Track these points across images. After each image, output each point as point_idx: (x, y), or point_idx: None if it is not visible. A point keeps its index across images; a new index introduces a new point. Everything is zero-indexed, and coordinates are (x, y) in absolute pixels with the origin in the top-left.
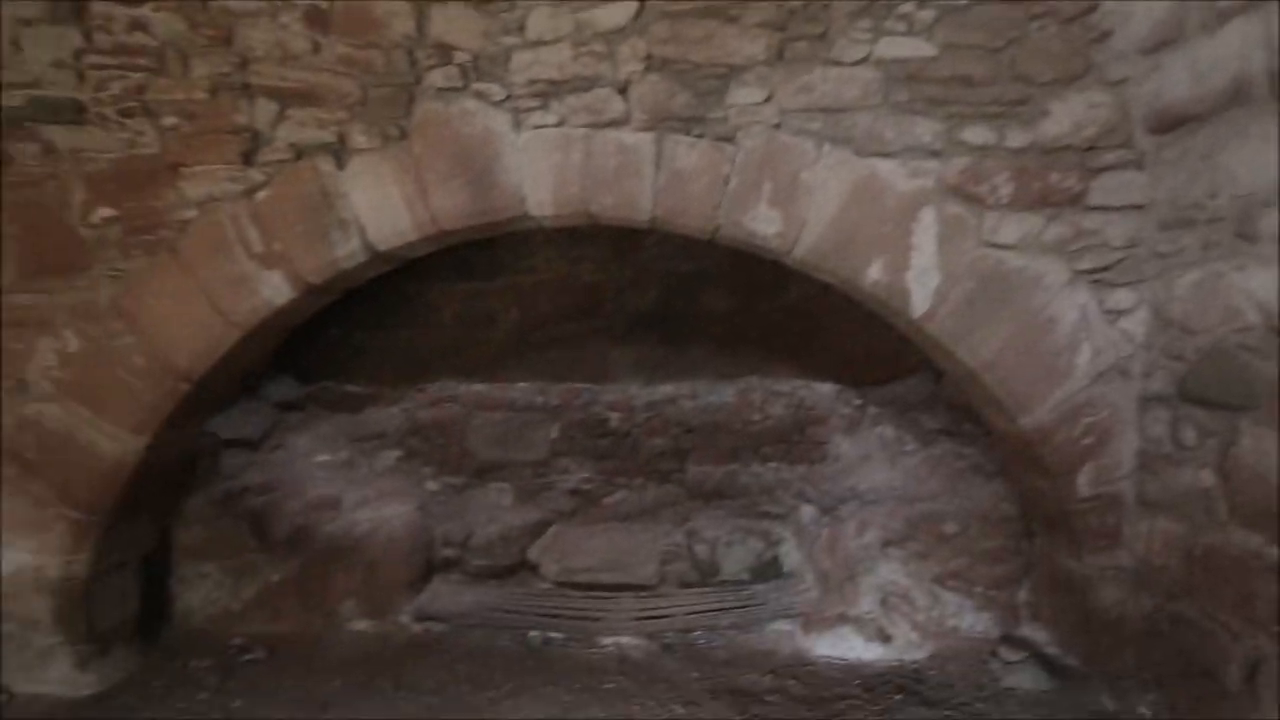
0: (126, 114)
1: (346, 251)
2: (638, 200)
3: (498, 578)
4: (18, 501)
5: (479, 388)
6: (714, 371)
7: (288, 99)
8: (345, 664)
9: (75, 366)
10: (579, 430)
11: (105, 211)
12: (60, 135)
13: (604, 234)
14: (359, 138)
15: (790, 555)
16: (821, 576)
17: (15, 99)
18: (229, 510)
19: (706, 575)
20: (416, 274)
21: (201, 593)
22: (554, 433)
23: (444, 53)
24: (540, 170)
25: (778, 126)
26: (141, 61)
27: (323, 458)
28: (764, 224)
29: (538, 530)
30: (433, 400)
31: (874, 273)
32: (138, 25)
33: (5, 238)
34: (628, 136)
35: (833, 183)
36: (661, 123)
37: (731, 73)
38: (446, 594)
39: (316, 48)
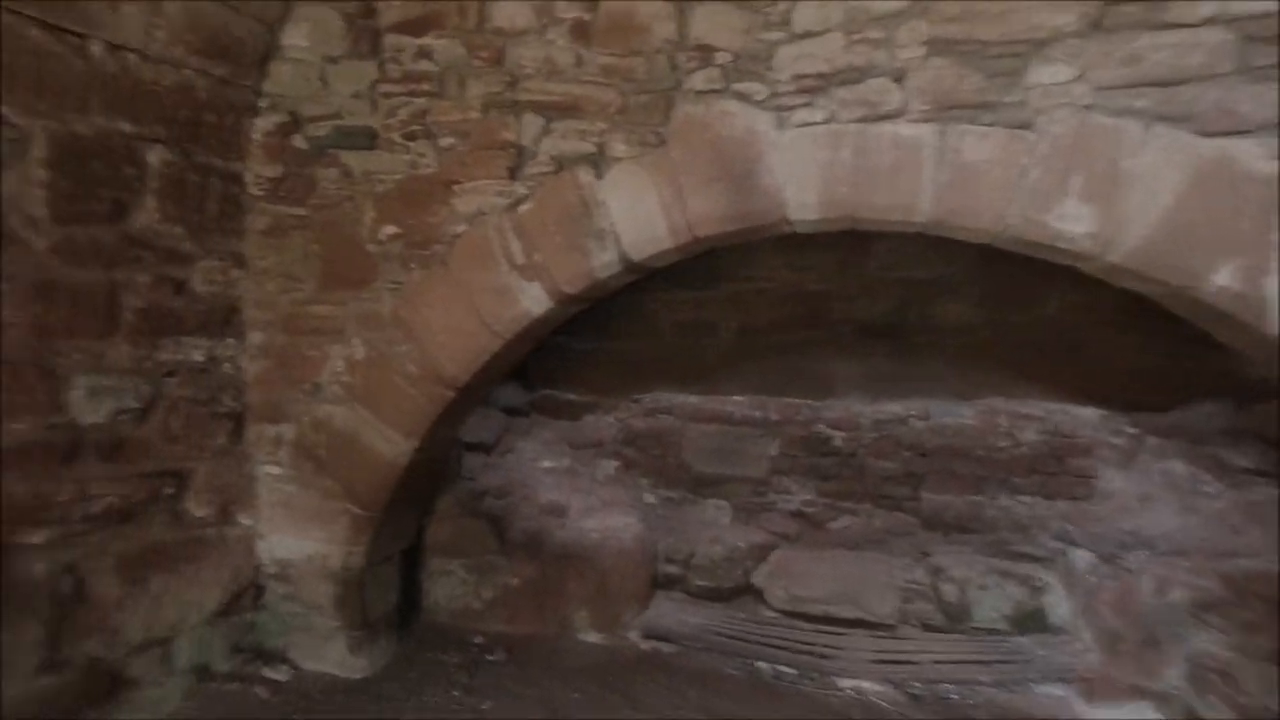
0: (410, 137)
1: (602, 261)
2: (915, 200)
3: (721, 600)
4: (310, 495)
5: (694, 399)
6: (951, 390)
7: (552, 113)
8: (579, 675)
9: (360, 372)
10: (800, 448)
11: (390, 229)
12: (355, 160)
13: (832, 240)
14: (618, 146)
15: (1059, 606)
16: (1106, 637)
17: (322, 129)
18: (472, 510)
19: (954, 619)
20: (636, 283)
21: (447, 589)
22: (773, 449)
23: (704, 55)
24: (806, 171)
25: (1089, 107)
26: (425, 87)
27: (547, 464)
28: (1071, 223)
29: (760, 553)
30: (648, 410)
31: (1220, 279)
32: (423, 54)
33: (311, 255)
34: (905, 129)
35: (1165, 170)
36: (944, 112)
37: (1032, 49)
38: (671, 613)
39: (579, 61)
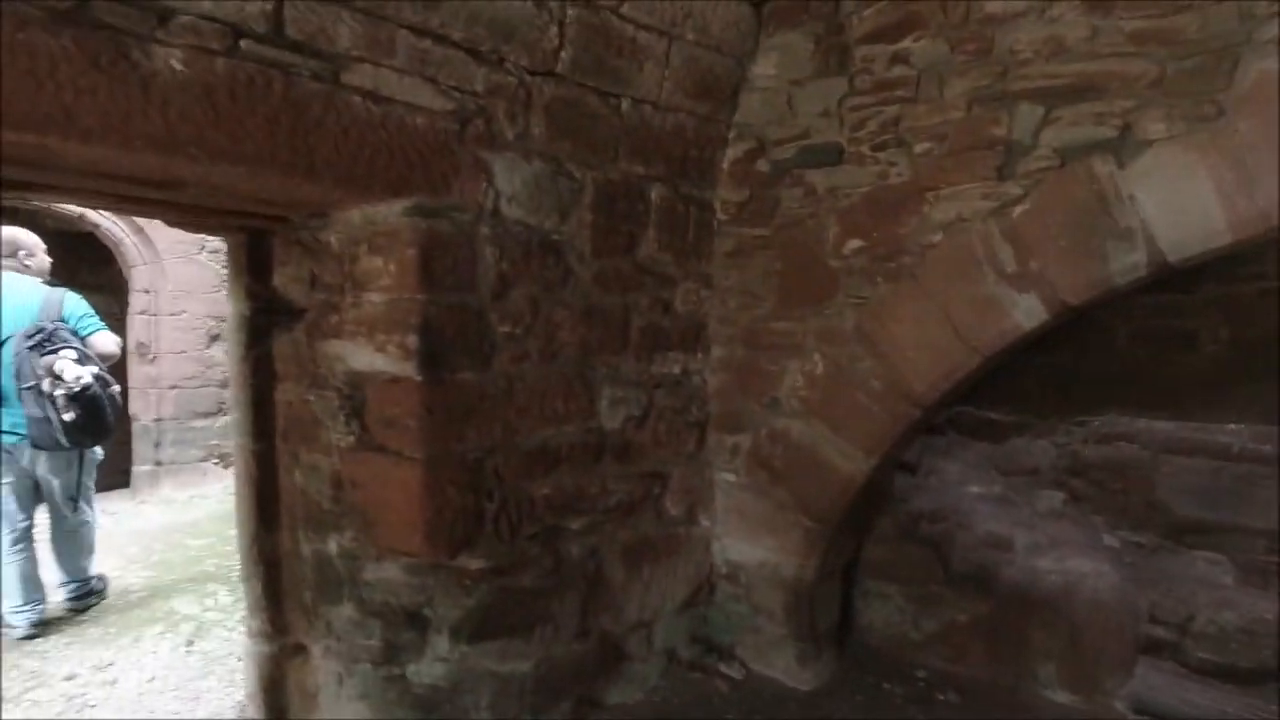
0: (880, 147)
1: (1124, 265)
2: None
3: (1236, 681)
4: (764, 504)
5: (1167, 425)
6: None
7: (1055, 98)
8: None
9: (819, 387)
10: None
11: (854, 243)
12: (820, 177)
13: None
14: (1151, 126)
15: None
16: None
17: (788, 151)
18: (910, 534)
19: None
20: None
21: (883, 613)
22: None
23: None
24: None
25: None
26: (899, 93)
27: (975, 489)
28: None
29: None
30: (1100, 436)
31: None
32: (898, 59)
33: (771, 274)
34: None
35: None
36: None
37: None
38: (1166, 687)
39: (1095, 33)
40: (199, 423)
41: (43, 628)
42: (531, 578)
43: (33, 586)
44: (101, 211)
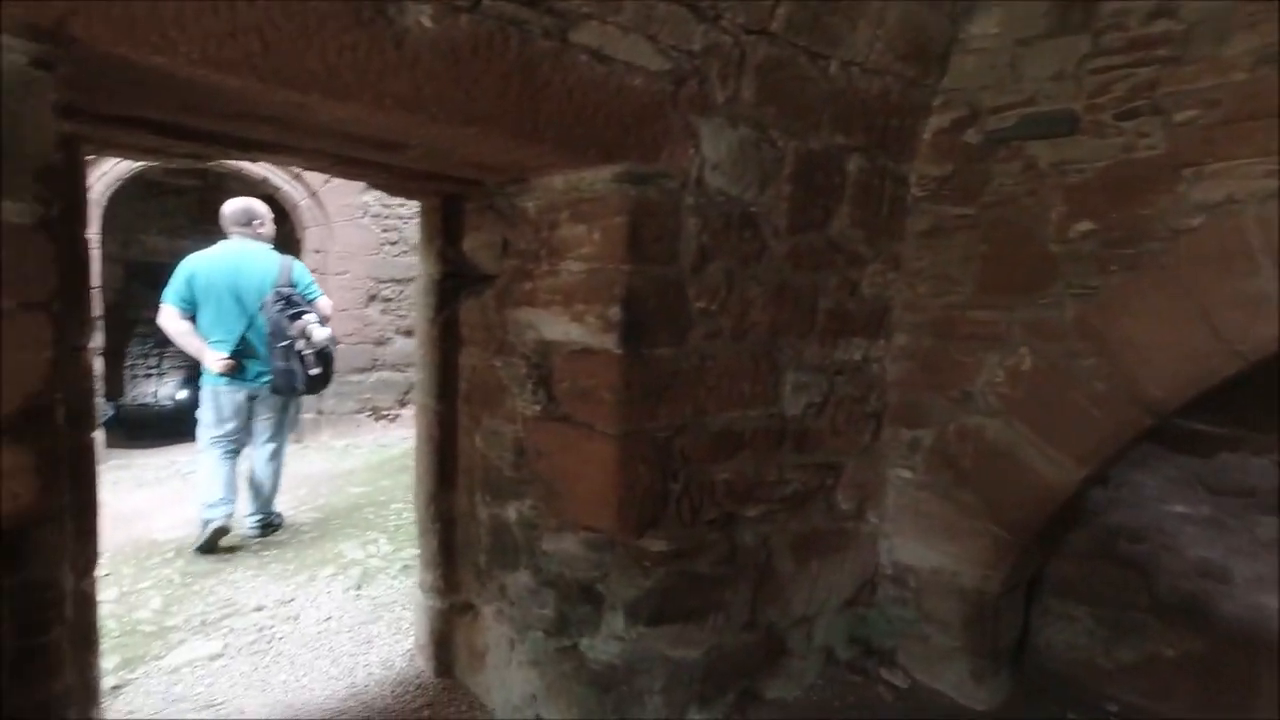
0: (1126, 116)
1: None
2: None
3: None
4: (945, 506)
5: None
6: None
7: None
8: None
9: (1024, 385)
10: None
11: (1083, 225)
12: (1042, 150)
13: None
14: None
15: None
16: None
17: (1007, 120)
18: (1106, 553)
19: None
20: None
21: (1066, 635)
22: None
23: None
24: None
25: None
26: (1159, 53)
27: (1179, 508)
28: None
29: None
30: None
31: None
32: (1160, 13)
33: (972, 257)
34: None
35: None
36: None
37: None
38: None
39: None
40: (355, 377)
41: (229, 554)
42: (708, 563)
43: (230, 490)
44: (281, 174)
